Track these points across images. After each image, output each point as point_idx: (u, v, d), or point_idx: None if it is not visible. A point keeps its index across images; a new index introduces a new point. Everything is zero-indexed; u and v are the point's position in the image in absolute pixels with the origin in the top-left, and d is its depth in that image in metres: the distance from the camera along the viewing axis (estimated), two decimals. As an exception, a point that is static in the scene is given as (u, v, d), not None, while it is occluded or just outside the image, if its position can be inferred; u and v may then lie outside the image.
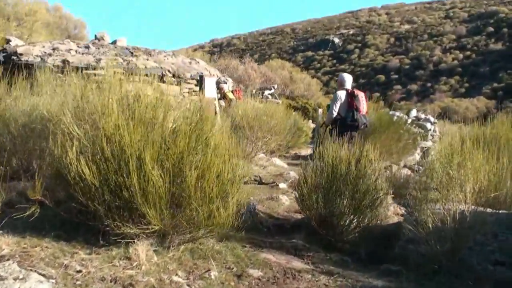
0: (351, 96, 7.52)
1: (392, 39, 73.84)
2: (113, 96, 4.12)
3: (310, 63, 74.45)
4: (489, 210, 4.66)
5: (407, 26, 76.15)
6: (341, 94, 7.57)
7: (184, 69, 11.37)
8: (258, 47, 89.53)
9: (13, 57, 10.53)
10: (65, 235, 3.93)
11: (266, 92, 25.84)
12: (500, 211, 4.92)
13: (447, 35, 68.52)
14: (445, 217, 4.33)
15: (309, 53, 78.86)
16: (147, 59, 11.19)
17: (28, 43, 12.17)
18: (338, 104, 7.54)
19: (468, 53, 62.98)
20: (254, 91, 26.03)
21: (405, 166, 10.71)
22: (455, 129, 14.75)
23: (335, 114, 7.54)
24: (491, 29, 65.17)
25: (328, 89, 59.04)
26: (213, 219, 3.93)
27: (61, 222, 4.06)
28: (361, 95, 7.58)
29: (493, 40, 62.88)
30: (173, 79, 11.18)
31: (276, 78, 29.55)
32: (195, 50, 64.34)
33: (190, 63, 12.04)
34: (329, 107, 7.91)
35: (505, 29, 63.01)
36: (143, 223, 3.79)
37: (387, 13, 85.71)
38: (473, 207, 4.49)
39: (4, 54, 10.78)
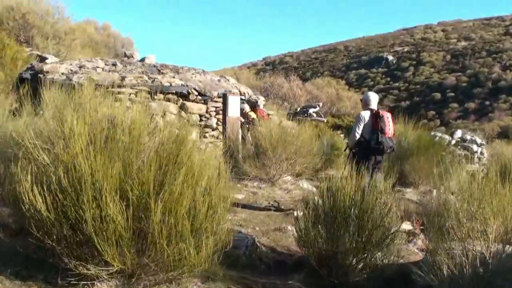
0: (375, 116, 6.86)
1: (448, 56, 71.53)
2: (81, 118, 3.70)
3: (363, 81, 73.21)
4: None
5: (464, 43, 73.64)
6: (365, 115, 6.93)
7: (211, 87, 11.00)
8: (311, 64, 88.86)
9: (39, 75, 10.48)
10: (25, 271, 3.53)
11: (311, 110, 25.30)
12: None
13: (507, 52, 65.67)
14: (463, 261, 3.67)
15: (362, 71, 77.49)
16: (173, 77, 10.89)
17: (59, 61, 12.15)
18: (361, 126, 6.88)
19: (529, 70, 60.19)
20: (298, 109, 25.71)
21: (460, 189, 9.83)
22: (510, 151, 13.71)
23: (358, 136, 6.89)
24: (554, 45, 62.17)
25: (382, 107, 57.63)
26: (184, 260, 3.43)
27: (25, 256, 3.67)
28: (386, 115, 6.91)
29: (555, 56, 59.89)
30: (199, 97, 10.82)
31: (322, 96, 28.96)
32: (248, 68, 64.66)
33: (219, 81, 11.67)
34: (351, 129, 7.26)
35: None
36: (103, 262, 3.34)
37: (443, 30, 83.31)
38: (500, 247, 3.82)
39: (32, 72, 10.77)
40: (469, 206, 3.77)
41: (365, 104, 7.15)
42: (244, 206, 7.17)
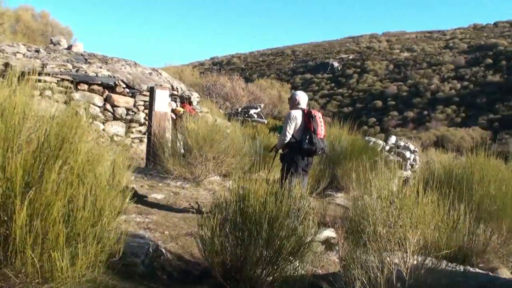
0: (308, 116, 6.47)
1: (391, 66, 73.02)
2: None
3: (309, 86, 73.64)
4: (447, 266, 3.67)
5: (406, 54, 75.40)
6: (297, 114, 6.49)
7: (141, 80, 10.38)
8: (258, 67, 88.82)
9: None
10: None
11: (252, 111, 24.97)
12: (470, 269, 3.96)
13: (446, 64, 67.71)
14: (378, 276, 3.31)
15: (308, 76, 78.02)
16: (101, 67, 10.21)
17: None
18: (292, 125, 6.45)
19: (466, 83, 62.09)
20: (239, 109, 25.31)
21: (379, 197, 9.65)
22: (444, 158, 13.77)
23: (289, 136, 6.42)
24: (489, 61, 64.43)
25: (325, 111, 58.14)
26: (56, 272, 2.89)
27: None
28: (318, 115, 6.53)
29: (491, 71, 62.07)
30: (127, 90, 10.18)
31: (265, 97, 28.63)
32: (194, 66, 63.73)
33: (150, 74, 11.06)
34: (280, 129, 6.80)
35: (504, 62, 62.25)
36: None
37: (387, 40, 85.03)
38: (420, 260, 3.50)
39: None
40: (387, 215, 3.42)
41: (294, 103, 6.71)
42: (161, 207, 6.65)
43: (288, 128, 6.46)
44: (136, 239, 4.35)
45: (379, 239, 3.41)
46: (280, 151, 6.75)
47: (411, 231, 3.36)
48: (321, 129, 6.53)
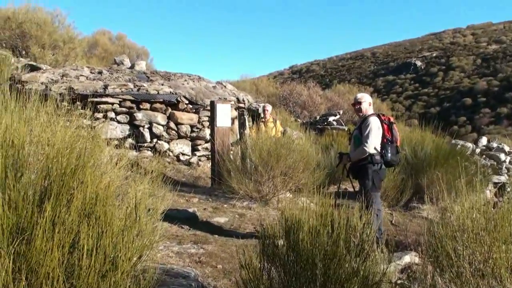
0: (388, 123, 5.63)
1: (479, 60, 69.15)
2: None
3: (391, 88, 71.55)
4: None
5: (495, 46, 71.09)
6: (378, 121, 5.63)
7: (204, 95, 9.92)
8: (338, 72, 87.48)
9: (17, 85, 9.60)
10: None
11: (331, 118, 24.08)
12: None
13: (540, 54, 63.23)
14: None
15: (390, 77, 75.67)
16: (162, 84, 9.85)
17: (42, 70, 11.26)
18: (379, 135, 5.56)
19: None
20: (317, 117, 24.49)
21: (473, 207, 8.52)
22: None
23: (373, 148, 5.51)
24: None
25: (411, 113, 55.92)
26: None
27: None
28: (393, 121, 5.71)
29: None
30: (190, 106, 9.75)
31: (344, 103, 27.56)
32: (274, 77, 63.70)
33: (214, 87, 10.59)
34: (356, 138, 5.80)
35: None
36: None
37: (472, 34, 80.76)
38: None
39: (11, 82, 9.91)
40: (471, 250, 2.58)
41: (368, 107, 5.86)
42: (222, 233, 6.05)
43: (374, 138, 5.53)
44: (179, 280, 3.75)
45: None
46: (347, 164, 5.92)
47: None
48: (397, 137, 5.72)
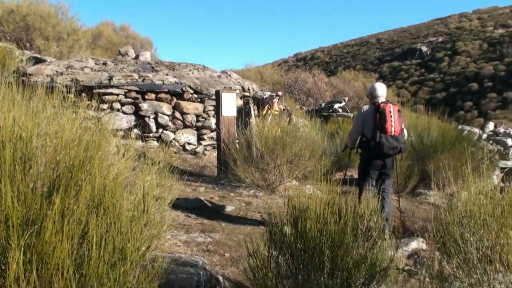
0: (375, 111, 5.67)
1: (485, 45, 68.59)
2: None
3: (397, 74, 71.14)
4: None
5: (501, 31, 70.42)
6: (366, 109, 5.80)
7: (209, 84, 9.92)
8: (343, 59, 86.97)
9: (22, 78, 9.63)
10: None
11: (336, 106, 24.01)
12: None
13: (547, 37, 62.64)
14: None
15: (396, 63, 75.22)
16: (167, 74, 9.85)
17: (46, 62, 11.28)
18: (360, 122, 5.78)
19: None
20: (323, 104, 24.44)
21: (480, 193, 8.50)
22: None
23: (355, 134, 5.90)
24: None
25: (416, 99, 55.61)
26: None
27: None
28: (389, 109, 5.65)
29: None
30: (195, 95, 9.76)
31: (349, 90, 27.49)
32: (279, 65, 63.47)
33: (219, 77, 10.58)
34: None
35: None
36: None
37: (478, 18, 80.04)
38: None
39: (16, 75, 9.95)
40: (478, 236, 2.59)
41: (371, 97, 5.98)
42: (230, 220, 6.09)
43: (353, 127, 6.01)
44: (187, 268, 3.77)
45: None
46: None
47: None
48: (391, 125, 5.65)
